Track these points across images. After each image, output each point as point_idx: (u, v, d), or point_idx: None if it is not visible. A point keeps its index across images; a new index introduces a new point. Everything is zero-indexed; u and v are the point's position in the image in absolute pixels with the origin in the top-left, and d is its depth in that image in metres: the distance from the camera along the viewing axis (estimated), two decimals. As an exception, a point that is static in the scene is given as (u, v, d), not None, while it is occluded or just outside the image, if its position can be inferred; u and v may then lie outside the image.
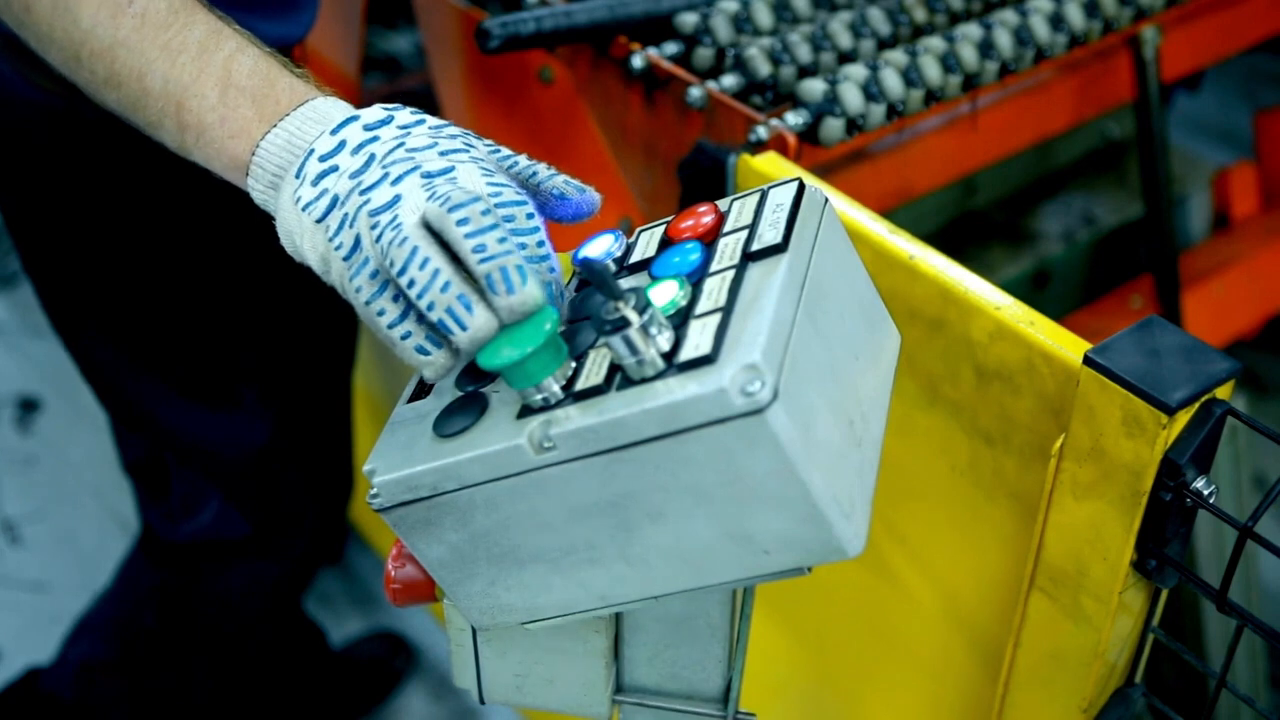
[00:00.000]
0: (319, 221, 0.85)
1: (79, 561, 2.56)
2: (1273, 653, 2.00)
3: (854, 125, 1.34)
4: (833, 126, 1.33)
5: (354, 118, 0.88)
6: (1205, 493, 0.90)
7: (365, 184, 0.83)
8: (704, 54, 1.42)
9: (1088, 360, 0.93)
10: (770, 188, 0.87)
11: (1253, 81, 3.38)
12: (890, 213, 1.64)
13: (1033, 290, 1.99)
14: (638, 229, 0.92)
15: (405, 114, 0.89)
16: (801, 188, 0.85)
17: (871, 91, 1.35)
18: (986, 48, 1.43)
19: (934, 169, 1.64)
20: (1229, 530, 0.90)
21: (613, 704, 0.95)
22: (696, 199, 1.34)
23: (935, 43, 1.42)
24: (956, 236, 1.98)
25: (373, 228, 0.81)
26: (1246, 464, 1.98)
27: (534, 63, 1.53)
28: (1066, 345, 1.00)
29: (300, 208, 0.86)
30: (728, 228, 0.85)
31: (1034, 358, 1.02)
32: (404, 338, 0.82)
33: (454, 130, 0.88)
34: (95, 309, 1.49)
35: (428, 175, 0.82)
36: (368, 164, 0.85)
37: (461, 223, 0.78)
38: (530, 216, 0.83)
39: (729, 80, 1.38)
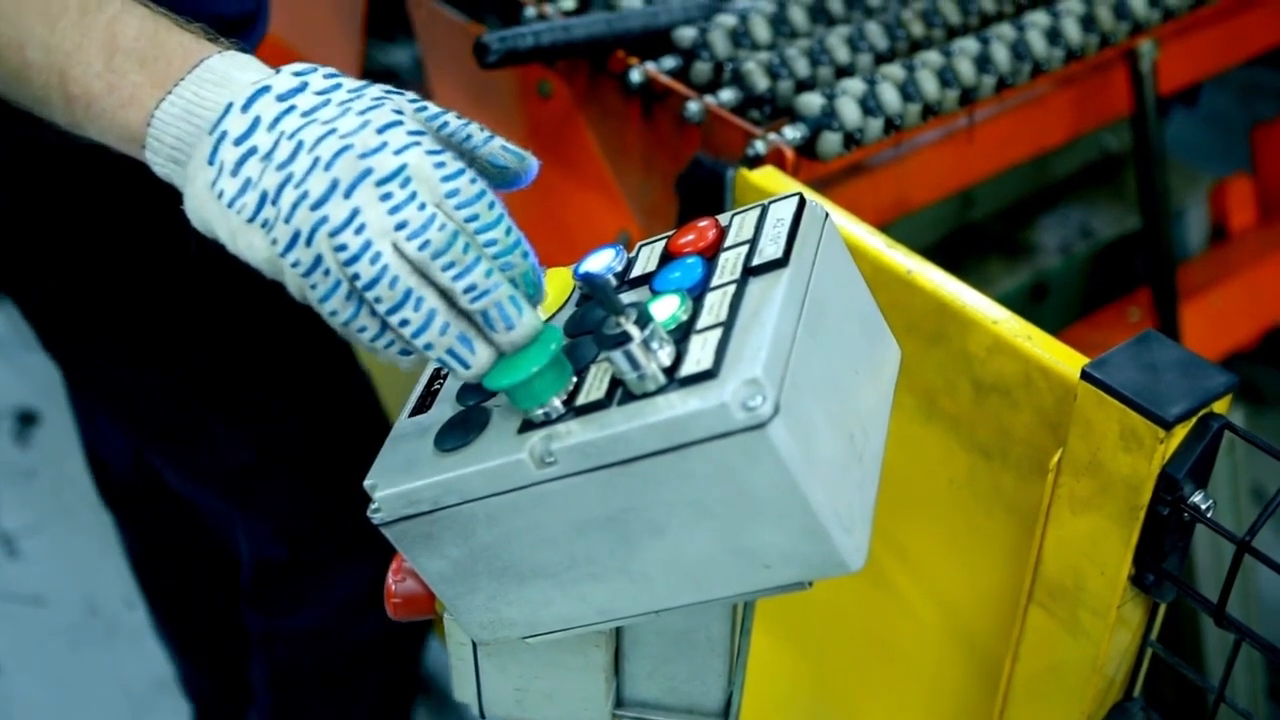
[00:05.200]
0: (250, 221, 0.79)
1: (77, 575, 2.56)
2: (1271, 666, 2.01)
3: (851, 139, 1.35)
4: (830, 141, 1.33)
5: (264, 89, 0.81)
6: (1203, 507, 0.90)
7: (314, 195, 0.77)
8: (702, 68, 1.43)
9: (1085, 375, 0.93)
10: (771, 202, 0.87)
11: (1250, 95, 3.39)
12: (888, 226, 1.65)
13: (1030, 303, 1.99)
14: (638, 244, 0.92)
15: (318, 77, 0.82)
16: (802, 203, 0.85)
17: (869, 105, 1.36)
18: (983, 62, 1.44)
19: (931, 182, 1.65)
20: (1227, 544, 0.90)
21: (613, 718, 0.95)
22: (694, 213, 1.35)
23: (932, 57, 1.42)
24: (954, 249, 1.99)
25: (338, 249, 0.77)
26: (1245, 476, 1.98)
27: (532, 77, 1.53)
28: (1064, 359, 1.01)
29: (224, 203, 0.80)
30: (729, 242, 0.85)
31: (1031, 372, 1.02)
32: (387, 347, 0.81)
33: (375, 93, 0.82)
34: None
35: (381, 181, 0.77)
36: (295, 153, 0.78)
37: (447, 267, 0.77)
38: (492, 206, 0.80)
39: (727, 94, 1.38)
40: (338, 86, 0.82)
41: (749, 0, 1.53)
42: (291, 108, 0.80)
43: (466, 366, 0.79)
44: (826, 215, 0.86)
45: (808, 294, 0.80)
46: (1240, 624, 0.92)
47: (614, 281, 0.87)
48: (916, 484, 1.17)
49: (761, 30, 1.46)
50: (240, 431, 1.53)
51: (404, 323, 0.78)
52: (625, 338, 0.75)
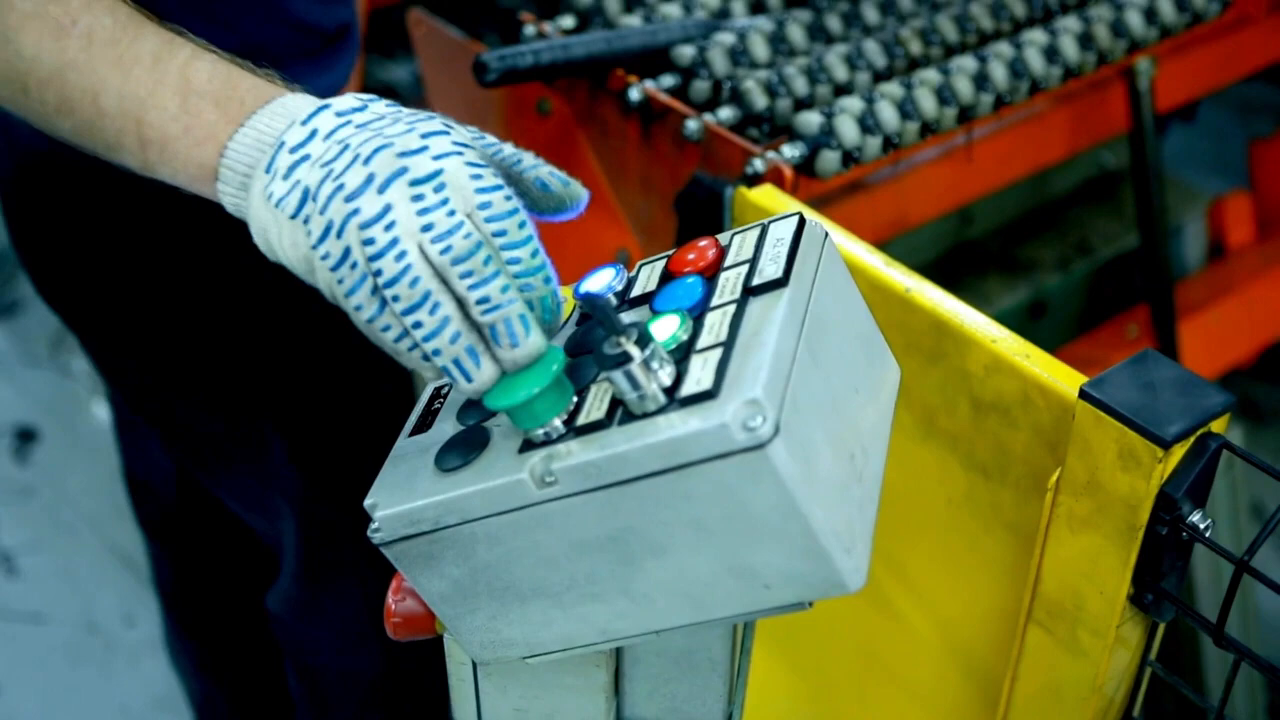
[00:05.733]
0: (293, 217, 0.81)
1: (76, 593, 2.55)
2: (1271, 685, 2.00)
3: (850, 157, 1.35)
4: (829, 159, 1.34)
5: (325, 106, 0.84)
6: (1201, 526, 0.90)
7: (349, 187, 0.79)
8: (701, 86, 1.43)
9: (1083, 394, 0.93)
10: (771, 222, 0.87)
11: (1248, 111, 3.39)
12: (887, 243, 1.65)
13: (1029, 320, 2.00)
14: (639, 263, 0.92)
15: (381, 104, 0.85)
16: (802, 222, 0.85)
17: (867, 124, 1.36)
18: (981, 80, 1.44)
19: (930, 200, 1.65)
20: (1227, 562, 0.90)
21: (613, 737, 0.95)
22: (693, 232, 1.35)
23: (930, 75, 1.43)
24: (953, 266, 1.99)
25: (366, 243, 0.78)
26: (1244, 494, 1.98)
27: (532, 95, 1.54)
28: (1062, 378, 1.01)
29: (273, 203, 0.81)
30: (729, 262, 0.85)
31: (1030, 390, 1.02)
32: (410, 349, 0.81)
33: (438, 123, 0.83)
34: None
35: (415, 182, 0.79)
36: (341, 153, 0.80)
37: (465, 275, 0.78)
38: (522, 225, 0.81)
39: (726, 113, 1.39)
40: (397, 108, 0.85)
41: (748, 19, 1.54)
42: (348, 121, 0.83)
43: (469, 379, 0.80)
44: (826, 235, 0.86)
45: (808, 314, 0.80)
46: (1239, 644, 0.92)
47: (614, 301, 0.87)
48: (915, 502, 1.17)
49: (760, 49, 1.47)
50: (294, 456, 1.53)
51: (418, 324, 0.79)
52: (625, 358, 0.75)
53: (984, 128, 1.55)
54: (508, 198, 0.81)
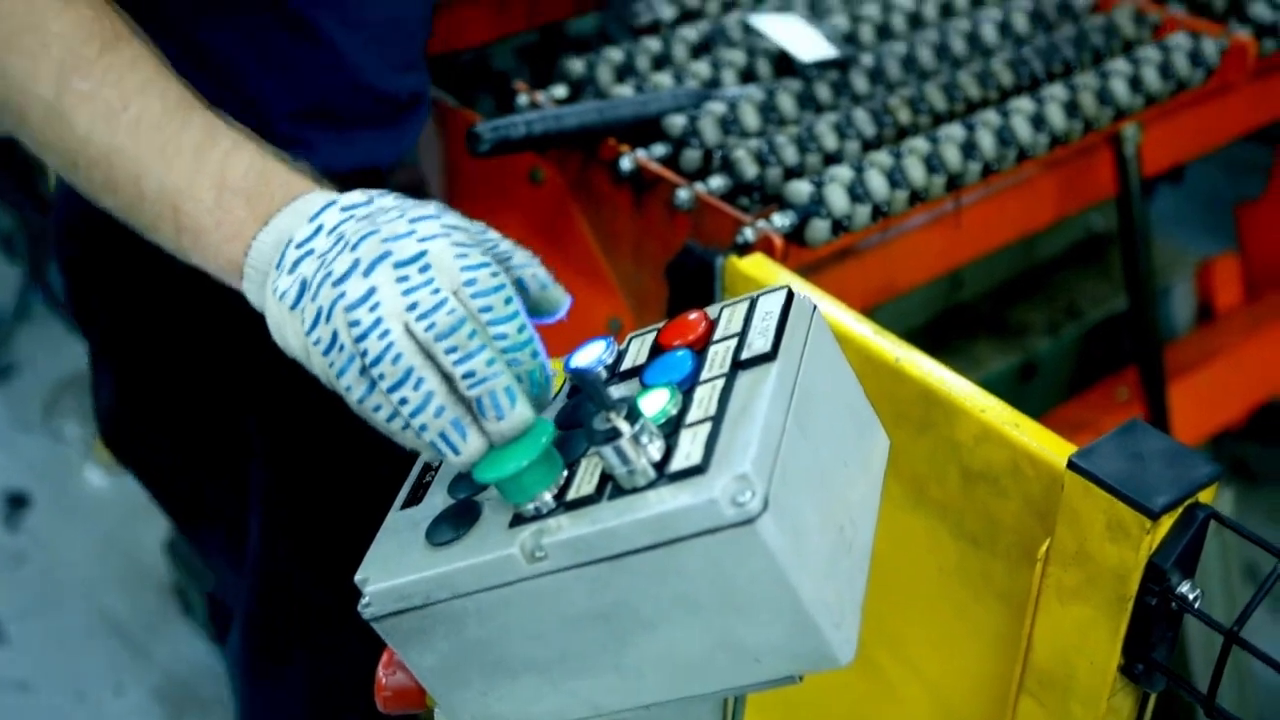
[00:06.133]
0: (293, 309, 0.84)
1: (66, 662, 2.53)
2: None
3: (840, 226, 1.36)
4: (819, 228, 1.35)
5: (332, 202, 0.87)
6: (1190, 597, 0.90)
7: (336, 273, 0.81)
8: (692, 155, 1.45)
9: (1071, 464, 0.94)
10: (759, 295, 0.88)
11: (1236, 170, 3.42)
12: (877, 308, 1.66)
13: (1020, 382, 2.00)
14: (629, 335, 0.93)
15: (388, 198, 0.87)
16: (790, 296, 0.86)
17: (857, 192, 1.38)
18: (969, 148, 1.46)
19: (919, 266, 1.66)
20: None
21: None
22: (685, 300, 1.36)
23: (919, 144, 1.44)
24: (943, 330, 2.00)
25: (352, 325, 0.80)
26: (1236, 556, 1.98)
27: (524, 163, 1.55)
28: (1051, 448, 1.01)
29: (278, 297, 0.85)
30: (718, 335, 0.86)
31: (1019, 460, 1.03)
32: (402, 428, 0.82)
33: (433, 208, 0.85)
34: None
35: (400, 264, 0.81)
36: (334, 245, 0.83)
37: (450, 350, 0.79)
38: (508, 301, 0.82)
39: (716, 182, 1.40)
40: (401, 200, 0.87)
41: (738, 88, 1.55)
42: (351, 216, 0.85)
43: (456, 452, 0.81)
44: (815, 308, 0.87)
45: (796, 387, 0.81)
46: (1231, 716, 0.92)
47: (604, 375, 0.88)
48: (906, 572, 1.17)
49: (750, 118, 1.48)
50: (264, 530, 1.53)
51: (404, 401, 0.80)
52: (615, 433, 0.75)
53: (972, 194, 1.56)
54: (494, 274, 0.82)
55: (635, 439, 0.76)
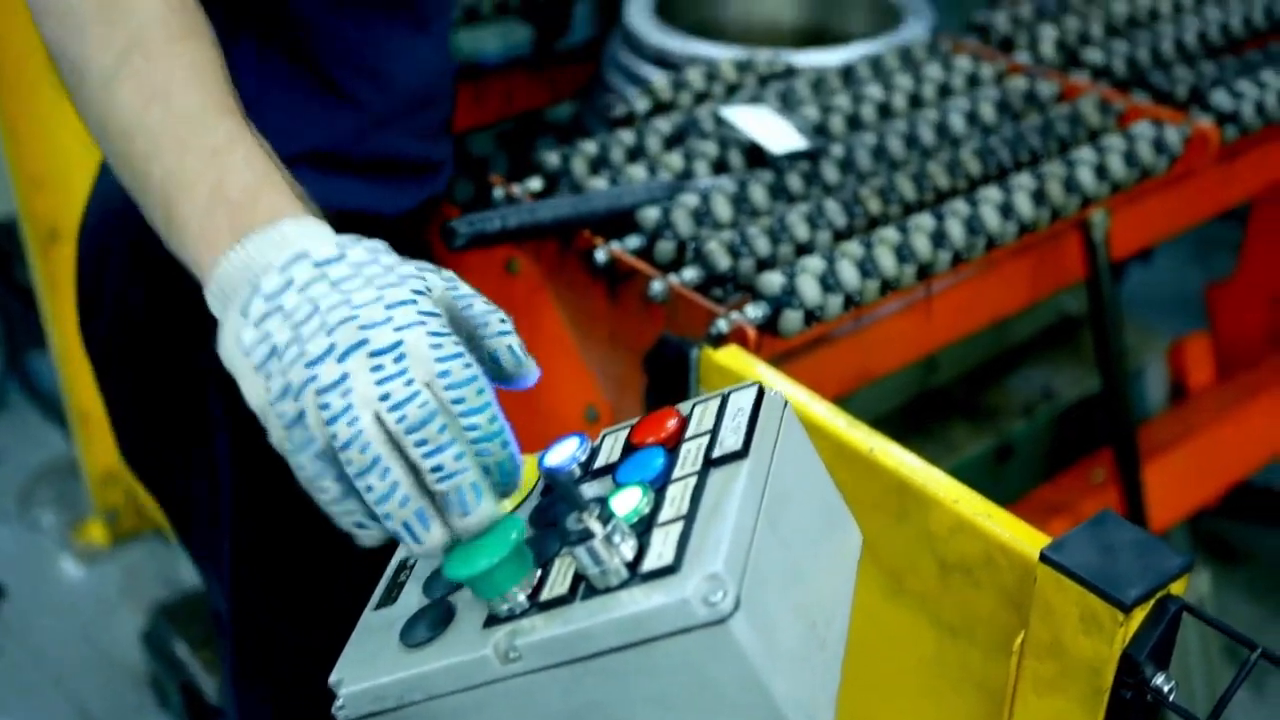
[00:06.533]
0: (257, 369, 0.84)
1: (40, 753, 2.51)
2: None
3: (812, 316, 1.38)
4: (792, 319, 1.36)
5: (303, 254, 0.87)
6: (1165, 690, 0.91)
7: (310, 355, 0.81)
8: (665, 247, 1.46)
9: (1044, 558, 0.94)
10: (730, 392, 0.89)
11: (1205, 247, 3.46)
12: (852, 394, 1.67)
13: (995, 465, 2.02)
14: (602, 432, 0.94)
15: (360, 250, 0.87)
16: (761, 393, 0.87)
17: (829, 283, 1.39)
18: (939, 237, 1.48)
19: (893, 353, 1.68)
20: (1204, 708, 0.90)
21: None
22: (663, 390, 1.37)
23: (889, 233, 1.46)
24: (919, 414, 2.01)
25: (322, 408, 0.80)
26: (1215, 638, 1.98)
27: (501, 253, 1.56)
28: (1023, 539, 1.02)
29: (242, 348, 0.85)
30: (690, 433, 0.87)
31: (992, 551, 1.03)
32: (344, 513, 0.83)
33: (406, 270, 0.87)
34: None
35: (375, 353, 0.81)
36: (310, 315, 0.83)
37: (419, 443, 0.79)
38: (480, 392, 0.83)
39: (690, 274, 1.41)
40: (374, 261, 0.87)
41: (711, 179, 1.57)
42: (323, 275, 0.85)
43: (419, 542, 0.81)
44: (786, 404, 0.87)
45: (768, 484, 0.81)
46: (1210, 804, 0.92)
47: (578, 473, 0.88)
48: (885, 662, 1.17)
49: (723, 209, 1.50)
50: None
51: (369, 488, 0.80)
52: (587, 534, 0.76)
53: (943, 281, 1.58)
54: (467, 365, 0.83)
55: (608, 539, 0.76)
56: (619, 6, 2.20)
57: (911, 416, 1.99)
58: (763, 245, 1.44)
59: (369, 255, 0.87)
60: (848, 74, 1.82)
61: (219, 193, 0.92)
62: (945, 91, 1.80)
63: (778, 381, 1.25)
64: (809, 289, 1.38)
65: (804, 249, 1.47)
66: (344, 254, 0.87)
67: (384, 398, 0.80)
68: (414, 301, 0.84)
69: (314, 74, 1.34)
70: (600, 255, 1.44)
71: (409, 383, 0.80)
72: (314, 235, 0.89)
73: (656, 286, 1.39)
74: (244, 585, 1.53)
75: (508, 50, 2.43)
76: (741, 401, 0.87)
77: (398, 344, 0.81)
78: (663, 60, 2.03)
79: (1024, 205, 1.55)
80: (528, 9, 2.32)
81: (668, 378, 1.36)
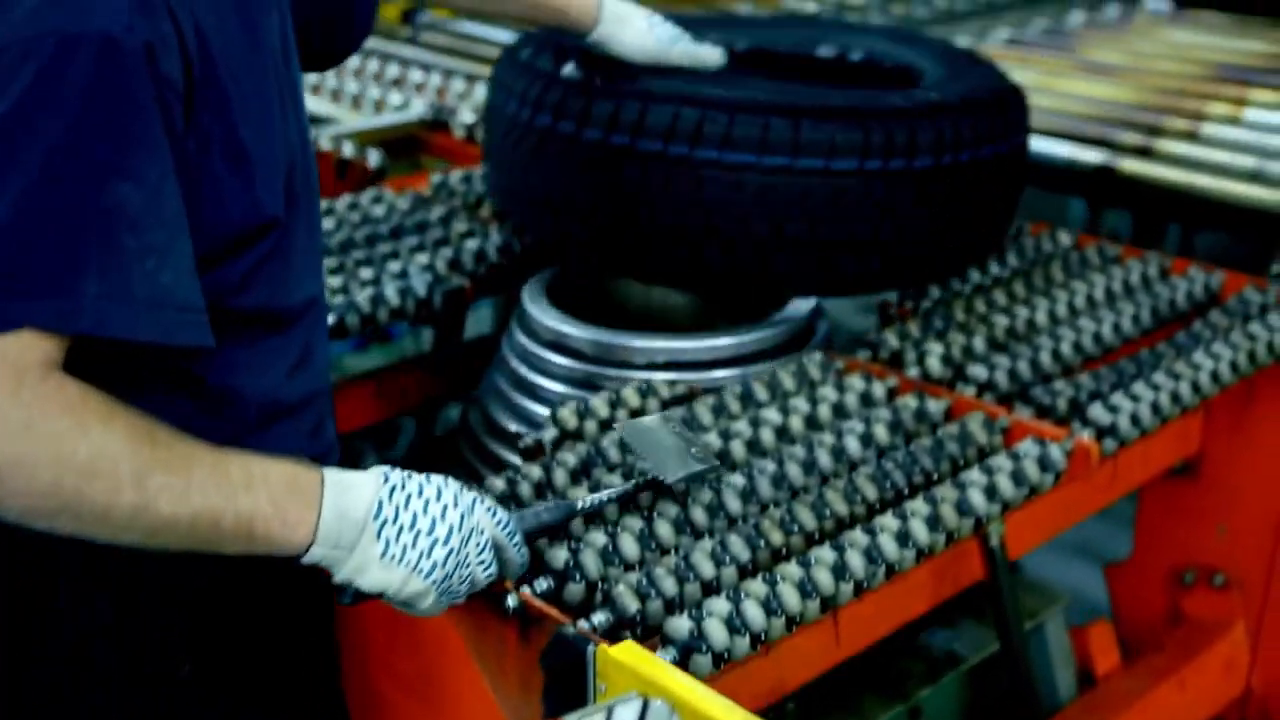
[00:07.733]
0: (413, 570, 1.34)
1: None
2: None
3: (720, 659, 1.41)
4: (701, 663, 1.39)
5: (392, 486, 1.34)
6: None
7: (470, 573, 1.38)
8: (575, 589, 1.49)
9: None
10: (616, 704, 0.91)
11: (1105, 521, 3.53)
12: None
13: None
14: None
15: (414, 482, 1.36)
16: (646, 705, 0.89)
17: (735, 624, 1.42)
18: (840, 570, 1.52)
19: (801, 669, 1.69)
20: None
21: None
22: (560, 689, 1.40)
23: (792, 569, 1.50)
24: (830, 683, 2.03)
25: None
26: None
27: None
28: None
29: (395, 563, 1.33)
30: None
31: None
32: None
33: (468, 500, 1.39)
34: None
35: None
36: (466, 541, 1.36)
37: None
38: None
39: (599, 617, 1.44)
40: (442, 491, 1.37)
41: (601, 492, 1.58)
42: (420, 494, 1.35)
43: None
44: (672, 714, 0.90)
45: None
46: None
47: None
48: None
49: (630, 547, 1.53)
50: None
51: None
52: None
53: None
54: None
55: None
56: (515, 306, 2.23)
57: (823, 687, 2.01)
58: (669, 586, 1.48)
59: (432, 486, 1.38)
60: (746, 397, 1.89)
61: (275, 497, 1.27)
62: (840, 412, 1.87)
63: (673, 677, 1.27)
64: (716, 633, 1.41)
65: (710, 588, 1.51)
66: (387, 477, 1.36)
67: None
68: (483, 532, 1.40)
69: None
70: (511, 600, 1.47)
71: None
72: (347, 475, 1.33)
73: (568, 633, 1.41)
74: None
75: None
76: (626, 715, 0.90)
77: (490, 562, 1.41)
78: (559, 346, 2.09)
79: (920, 531, 1.60)
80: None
81: (564, 675, 1.38)
